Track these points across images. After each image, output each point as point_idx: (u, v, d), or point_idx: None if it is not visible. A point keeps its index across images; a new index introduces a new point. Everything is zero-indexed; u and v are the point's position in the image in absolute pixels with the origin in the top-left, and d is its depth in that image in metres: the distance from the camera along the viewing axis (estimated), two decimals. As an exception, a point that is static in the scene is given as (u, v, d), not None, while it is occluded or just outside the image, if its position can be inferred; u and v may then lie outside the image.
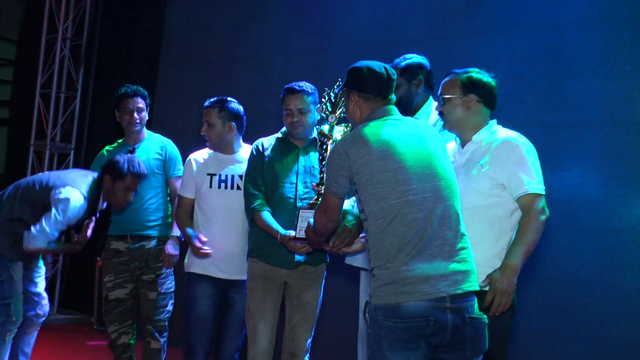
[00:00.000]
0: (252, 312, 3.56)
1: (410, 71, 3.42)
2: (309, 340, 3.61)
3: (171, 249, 4.22)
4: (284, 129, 3.73)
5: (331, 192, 2.75)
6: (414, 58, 3.55)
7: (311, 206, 3.23)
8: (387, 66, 2.87)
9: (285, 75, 4.01)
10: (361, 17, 5.66)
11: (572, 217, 4.35)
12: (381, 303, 2.54)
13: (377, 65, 2.85)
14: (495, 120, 3.07)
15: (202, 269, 3.88)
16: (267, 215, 3.52)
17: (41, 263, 4.10)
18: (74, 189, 3.88)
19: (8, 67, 10.38)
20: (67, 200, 3.83)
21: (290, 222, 3.43)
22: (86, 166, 8.06)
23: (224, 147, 3.94)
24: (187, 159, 4.07)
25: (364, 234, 3.18)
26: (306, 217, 3.18)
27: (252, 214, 3.56)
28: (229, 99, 3.98)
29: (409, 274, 2.50)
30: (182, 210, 4.00)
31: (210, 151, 4.02)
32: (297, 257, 3.53)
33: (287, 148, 3.66)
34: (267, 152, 3.64)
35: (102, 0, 8.10)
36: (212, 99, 3.97)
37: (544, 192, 2.91)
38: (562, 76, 4.58)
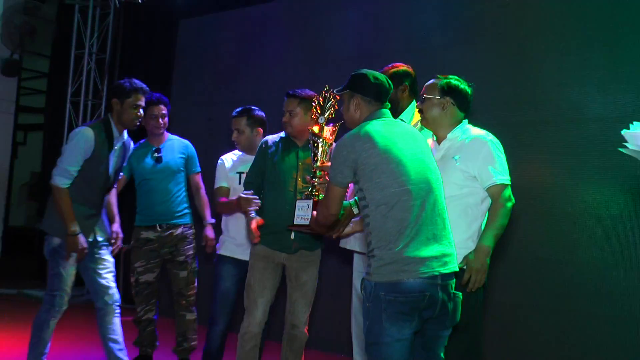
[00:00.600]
0: (252, 287, 3.58)
1: (397, 78, 3.43)
2: (307, 314, 3.64)
3: (211, 233, 4.43)
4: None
5: (336, 182, 2.75)
6: (401, 67, 3.56)
7: (307, 197, 3.25)
8: (387, 77, 2.92)
9: (283, 84, 4.05)
10: (348, 33, 5.69)
11: (533, 203, 4.38)
12: (382, 280, 2.57)
13: (379, 74, 2.90)
14: (466, 120, 3.12)
15: (230, 251, 4.01)
16: None
17: (107, 256, 3.87)
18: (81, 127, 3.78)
19: (42, 79, 10.41)
20: (74, 133, 3.69)
21: (291, 212, 3.42)
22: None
23: (252, 149, 3.98)
24: (220, 159, 4.16)
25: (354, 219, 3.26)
26: (302, 206, 3.22)
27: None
28: (252, 107, 4.07)
29: (409, 255, 2.55)
30: (224, 198, 4.04)
31: (239, 153, 4.13)
32: (296, 244, 3.56)
33: (289, 146, 3.67)
34: (271, 149, 3.66)
35: (123, 20, 8.10)
36: (238, 109, 4.07)
37: (509, 182, 2.98)
38: (522, 81, 4.61)
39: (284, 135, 3.72)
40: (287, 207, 3.49)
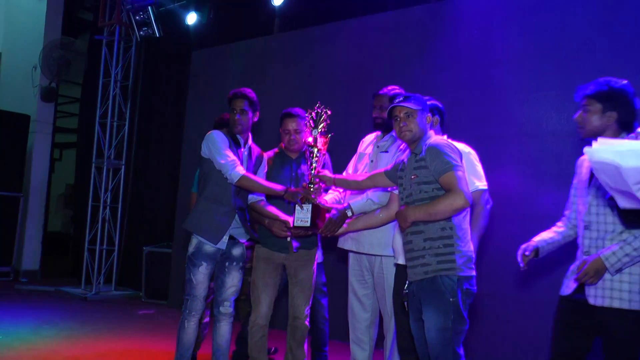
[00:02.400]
0: (256, 285, 3.53)
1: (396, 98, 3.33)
2: (307, 307, 3.57)
3: None
4: (281, 144, 3.70)
5: (460, 168, 2.57)
6: (397, 90, 3.42)
7: (305, 201, 3.19)
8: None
9: (282, 105, 3.97)
10: (339, 60, 5.66)
11: (502, 206, 4.32)
12: (467, 274, 2.54)
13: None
14: (445, 136, 3.06)
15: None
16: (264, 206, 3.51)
17: (234, 275, 3.52)
18: None
19: (75, 104, 10.39)
20: (207, 136, 3.45)
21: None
22: (134, 177, 8.10)
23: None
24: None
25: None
26: (300, 210, 3.17)
27: (253, 205, 3.54)
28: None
29: (472, 253, 2.61)
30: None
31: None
32: (295, 244, 3.48)
33: (284, 159, 3.62)
34: (270, 163, 3.62)
35: (144, 51, 8.08)
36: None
37: (487, 187, 2.97)
38: (491, 101, 4.58)
39: (277, 150, 3.67)
40: (283, 212, 3.44)
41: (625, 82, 2.51)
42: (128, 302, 7.04)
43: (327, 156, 2.69)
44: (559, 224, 2.77)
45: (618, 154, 1.44)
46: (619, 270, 2.36)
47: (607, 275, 2.38)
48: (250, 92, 3.51)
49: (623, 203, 1.54)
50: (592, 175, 2.51)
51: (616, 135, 2.47)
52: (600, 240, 2.42)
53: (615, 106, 2.46)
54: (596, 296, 2.40)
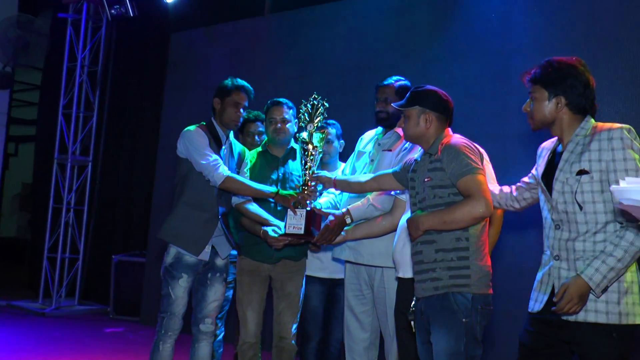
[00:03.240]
0: (241, 301, 3.58)
1: (403, 91, 3.38)
2: (295, 325, 3.61)
3: None
4: (264, 142, 3.77)
5: (480, 171, 2.60)
6: (404, 81, 3.48)
7: (299, 205, 3.23)
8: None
9: (273, 96, 4.00)
10: (337, 47, 5.69)
11: (520, 213, 4.37)
12: (481, 292, 2.56)
13: (443, 92, 2.84)
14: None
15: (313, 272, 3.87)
16: (253, 207, 3.54)
17: (217, 288, 3.54)
18: None
19: (35, 91, 10.36)
20: (184, 133, 3.48)
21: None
22: (103, 176, 8.12)
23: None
24: None
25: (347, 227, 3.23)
26: (294, 215, 3.20)
27: (239, 207, 3.57)
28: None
29: (489, 269, 2.65)
30: None
31: None
32: (278, 254, 3.53)
33: (268, 159, 3.67)
34: (251, 163, 3.67)
35: (115, 33, 8.09)
36: None
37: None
38: (508, 95, 4.60)
39: (260, 150, 3.73)
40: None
41: (573, 59, 2.53)
42: (94, 318, 7.04)
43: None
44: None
45: None
46: (605, 290, 2.31)
47: None
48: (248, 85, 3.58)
49: None
50: (550, 167, 2.55)
51: (573, 123, 2.49)
52: (571, 242, 2.41)
53: (563, 89, 2.48)
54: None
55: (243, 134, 4.14)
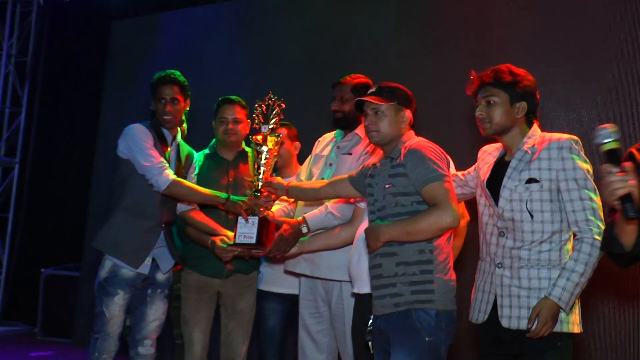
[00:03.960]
0: (187, 321, 3.57)
1: (360, 88, 3.42)
2: (245, 346, 3.61)
3: None
4: (212, 143, 3.76)
5: (447, 179, 2.64)
6: (363, 79, 3.51)
7: (250, 213, 3.23)
8: None
9: (225, 92, 3.99)
10: (296, 39, 5.71)
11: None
12: (445, 309, 2.58)
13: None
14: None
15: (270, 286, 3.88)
16: (201, 216, 3.53)
17: (158, 306, 3.51)
18: None
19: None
20: (125, 132, 3.46)
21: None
22: (32, 179, 7.99)
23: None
24: None
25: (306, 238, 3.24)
26: (244, 223, 3.20)
27: (184, 215, 3.56)
28: None
29: (454, 283, 2.67)
30: None
31: None
32: (228, 267, 3.53)
33: (217, 162, 3.68)
34: (196, 170, 3.67)
35: (48, 20, 7.98)
36: None
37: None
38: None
39: (208, 152, 3.73)
40: None
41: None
42: (18, 340, 6.92)
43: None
44: None
45: None
46: (572, 306, 2.49)
47: (522, 292, 2.53)
48: (179, 74, 3.54)
49: None
50: (495, 174, 2.68)
51: (524, 131, 2.67)
52: (516, 250, 2.57)
53: (523, 96, 2.65)
54: (511, 317, 2.54)
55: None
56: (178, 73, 3.57)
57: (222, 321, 3.63)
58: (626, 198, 1.91)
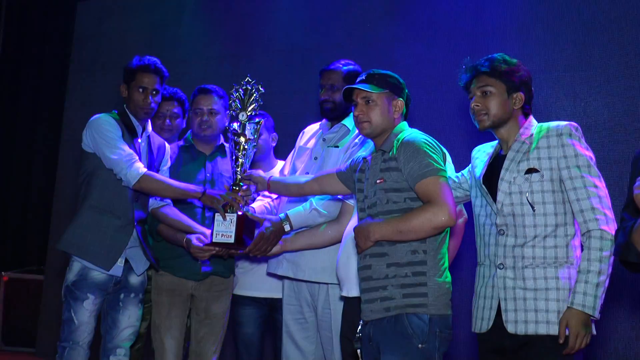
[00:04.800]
0: (157, 327, 3.57)
1: (352, 76, 3.43)
2: (217, 355, 3.64)
3: None
4: (187, 135, 3.78)
5: (443, 173, 2.65)
6: (353, 65, 3.54)
7: (227, 209, 3.23)
8: None
9: (202, 80, 4.01)
10: (279, 22, 5.71)
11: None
12: (439, 313, 2.59)
13: None
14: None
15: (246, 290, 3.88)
16: (173, 212, 3.54)
17: (132, 311, 3.49)
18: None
19: None
20: (91, 122, 3.44)
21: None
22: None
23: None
24: None
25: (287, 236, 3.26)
26: (221, 221, 3.20)
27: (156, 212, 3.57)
28: None
29: (450, 286, 2.66)
30: None
31: None
32: (204, 269, 3.55)
33: (193, 156, 3.69)
34: (172, 161, 3.67)
35: (5, 3, 7.92)
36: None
37: None
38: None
39: (183, 144, 3.74)
40: None
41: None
42: (-23, 351, 6.89)
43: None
44: None
45: None
46: (601, 309, 2.47)
47: (528, 294, 2.54)
48: (160, 64, 3.52)
49: None
50: (492, 170, 2.71)
51: (520, 123, 2.71)
52: (518, 248, 2.58)
53: (519, 86, 2.69)
54: (517, 321, 2.55)
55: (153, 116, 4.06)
56: (159, 61, 3.54)
57: (192, 327, 3.65)
58: None
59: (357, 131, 3.29)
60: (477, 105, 2.70)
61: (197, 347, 3.61)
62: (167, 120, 3.97)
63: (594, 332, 2.54)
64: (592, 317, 2.47)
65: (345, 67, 3.47)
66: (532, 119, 2.74)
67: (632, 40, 4.28)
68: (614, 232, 2.45)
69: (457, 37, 4.87)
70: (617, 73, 4.31)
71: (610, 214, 2.50)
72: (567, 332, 2.46)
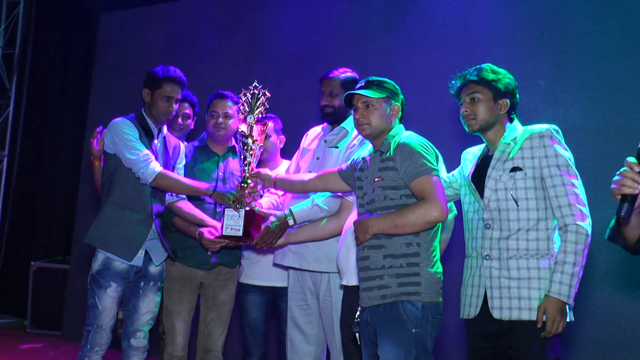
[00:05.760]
0: (169, 312, 3.61)
1: (349, 83, 3.44)
2: (223, 337, 3.67)
3: None
4: (202, 136, 3.81)
5: (436, 173, 2.68)
6: (350, 72, 3.55)
7: (237, 205, 3.26)
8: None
9: (214, 86, 4.01)
10: (286, 32, 5.72)
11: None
12: (432, 301, 2.62)
13: None
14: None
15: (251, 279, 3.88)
16: (188, 207, 3.58)
17: (150, 299, 3.51)
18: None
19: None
20: (111, 125, 3.47)
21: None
22: (20, 172, 7.95)
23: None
24: None
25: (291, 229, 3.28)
26: (231, 216, 3.24)
27: (172, 206, 3.59)
28: None
29: (441, 276, 2.70)
30: None
31: None
32: (213, 259, 3.58)
33: (207, 155, 3.72)
34: (187, 161, 3.70)
35: (35, 11, 7.93)
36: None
37: None
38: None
39: (198, 144, 3.77)
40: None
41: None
42: (8, 333, 6.91)
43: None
44: None
45: None
46: (575, 297, 2.53)
47: (512, 282, 2.58)
48: (182, 72, 3.56)
49: None
50: (480, 169, 2.75)
51: (505, 127, 2.76)
52: (503, 240, 2.63)
53: (505, 93, 2.74)
54: (502, 307, 2.59)
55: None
56: (182, 72, 3.57)
57: (201, 312, 3.68)
58: (627, 198, 1.88)
59: (355, 133, 3.34)
60: (466, 111, 2.75)
61: (206, 329, 3.65)
62: (180, 120, 4.00)
63: (572, 318, 2.58)
64: (567, 304, 2.51)
65: (342, 75, 3.49)
66: (516, 123, 2.78)
67: (606, 52, 4.29)
68: (589, 226, 2.52)
69: (448, 47, 4.88)
70: (593, 81, 4.32)
71: (585, 209, 2.55)
72: (544, 318, 2.51)
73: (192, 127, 4.11)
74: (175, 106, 3.53)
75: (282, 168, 3.82)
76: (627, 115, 4.19)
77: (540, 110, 4.47)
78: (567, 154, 2.62)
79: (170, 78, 3.50)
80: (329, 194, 3.29)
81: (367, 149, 3.01)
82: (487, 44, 4.72)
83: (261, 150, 3.38)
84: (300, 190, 3.29)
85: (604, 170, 3.72)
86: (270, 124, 3.77)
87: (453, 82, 2.83)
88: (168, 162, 3.56)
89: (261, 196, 3.57)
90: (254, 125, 3.29)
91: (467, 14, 4.86)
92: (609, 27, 4.31)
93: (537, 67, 4.50)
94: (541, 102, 4.48)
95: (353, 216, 2.99)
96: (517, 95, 2.80)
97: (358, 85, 2.91)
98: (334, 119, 3.47)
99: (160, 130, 3.57)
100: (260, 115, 3.32)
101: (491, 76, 2.73)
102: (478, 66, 2.79)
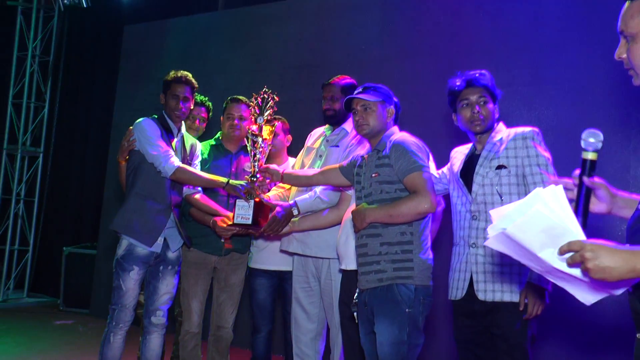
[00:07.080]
0: (186, 293, 3.61)
1: (348, 88, 3.43)
2: (234, 315, 3.68)
3: None
4: (217, 135, 3.80)
5: (427, 169, 2.67)
6: (349, 80, 3.52)
7: (247, 196, 3.25)
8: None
9: (225, 91, 4.01)
10: (291, 43, 5.71)
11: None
12: (424, 284, 2.62)
13: None
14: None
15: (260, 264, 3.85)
16: (203, 198, 3.58)
17: (168, 281, 3.50)
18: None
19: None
20: (136, 124, 3.47)
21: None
22: (54, 167, 7.95)
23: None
24: None
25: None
26: (242, 206, 3.23)
27: (189, 198, 3.58)
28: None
29: (431, 262, 2.69)
30: None
31: None
32: (226, 247, 3.58)
33: (221, 153, 3.71)
34: (203, 156, 3.69)
35: (68, 23, 7.92)
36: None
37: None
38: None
39: (214, 143, 3.77)
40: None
41: None
42: (43, 310, 6.92)
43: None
44: None
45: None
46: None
47: (495, 268, 2.58)
48: (191, 76, 3.57)
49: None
50: (468, 166, 2.75)
51: (494, 129, 2.74)
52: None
53: (496, 97, 2.76)
54: (486, 290, 2.59)
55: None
56: (190, 75, 3.57)
57: (214, 293, 3.69)
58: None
59: (353, 133, 3.33)
60: (480, 112, 2.70)
61: (219, 308, 3.66)
62: (197, 122, 3.99)
63: (547, 301, 2.57)
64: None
65: (342, 82, 3.48)
66: (502, 124, 2.78)
67: (577, 62, 4.27)
68: None
69: (436, 56, 4.86)
70: (566, 87, 4.30)
71: None
72: (526, 301, 2.51)
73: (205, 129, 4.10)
74: (186, 104, 3.52)
75: (289, 164, 3.82)
76: (591, 115, 4.17)
77: (517, 114, 4.45)
78: (547, 155, 2.62)
79: (177, 79, 3.52)
80: (330, 187, 3.28)
81: (365, 147, 2.99)
82: (471, 53, 4.70)
83: (270, 148, 3.38)
84: (305, 183, 3.28)
85: (573, 166, 3.69)
86: (278, 123, 3.77)
87: (456, 82, 2.77)
88: (185, 158, 3.55)
89: (269, 189, 3.56)
90: (264, 126, 3.29)
91: (452, 26, 4.84)
92: (577, 40, 4.29)
93: (515, 74, 4.48)
94: (518, 106, 4.47)
95: (351, 208, 2.98)
96: None
97: (357, 91, 2.90)
98: (335, 120, 3.46)
99: (179, 130, 3.57)
100: (269, 117, 3.31)
101: (490, 82, 2.74)
102: (481, 72, 2.75)
